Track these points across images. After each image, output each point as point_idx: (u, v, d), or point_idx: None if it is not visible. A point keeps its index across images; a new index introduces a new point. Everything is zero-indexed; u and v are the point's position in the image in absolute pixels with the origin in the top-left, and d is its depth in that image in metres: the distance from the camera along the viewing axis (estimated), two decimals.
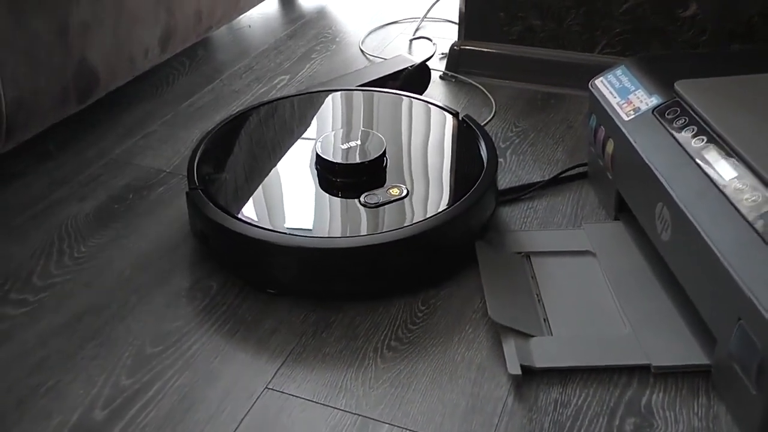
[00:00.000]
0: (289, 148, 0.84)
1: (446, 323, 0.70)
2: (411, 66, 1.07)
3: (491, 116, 1.03)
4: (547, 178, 0.89)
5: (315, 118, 0.90)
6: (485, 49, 1.13)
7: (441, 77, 1.15)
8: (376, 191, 0.75)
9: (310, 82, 1.13)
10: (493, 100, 1.06)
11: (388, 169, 0.79)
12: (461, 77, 1.13)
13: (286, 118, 0.90)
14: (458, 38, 1.15)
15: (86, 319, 0.71)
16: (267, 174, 0.80)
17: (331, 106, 0.92)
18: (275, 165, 0.81)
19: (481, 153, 0.81)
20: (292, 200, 0.76)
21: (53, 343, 0.68)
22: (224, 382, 0.64)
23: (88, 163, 0.95)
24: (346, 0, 1.47)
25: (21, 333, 0.69)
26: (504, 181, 0.89)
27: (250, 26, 1.36)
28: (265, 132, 0.87)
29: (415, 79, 1.08)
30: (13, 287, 0.75)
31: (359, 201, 0.75)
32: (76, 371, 0.65)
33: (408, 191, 0.75)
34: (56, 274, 0.77)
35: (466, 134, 0.85)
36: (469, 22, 1.13)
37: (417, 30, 1.31)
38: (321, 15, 1.40)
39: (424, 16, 1.34)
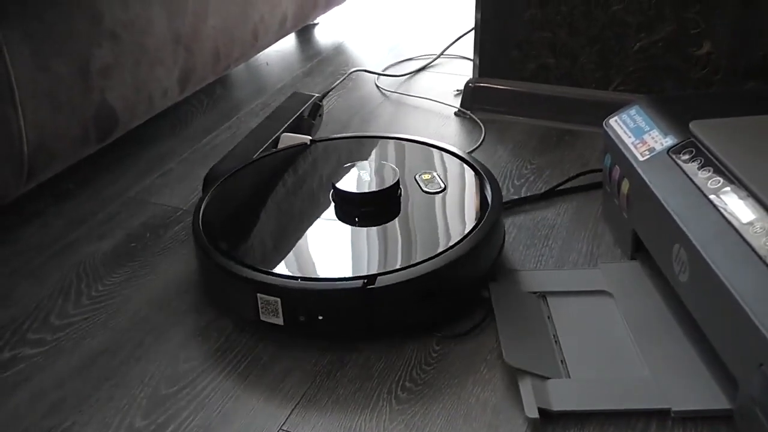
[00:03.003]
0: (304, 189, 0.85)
1: (461, 364, 0.69)
2: (317, 100, 1.08)
3: (479, 143, 1.03)
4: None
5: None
6: (500, 86, 1.14)
7: (455, 114, 1.16)
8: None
9: (326, 118, 1.14)
10: (483, 130, 1.07)
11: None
12: (474, 116, 1.14)
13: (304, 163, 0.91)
14: (473, 75, 1.16)
15: (102, 360, 0.71)
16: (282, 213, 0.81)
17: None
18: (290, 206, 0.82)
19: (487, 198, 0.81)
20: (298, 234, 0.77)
21: (69, 384, 0.69)
22: (238, 424, 0.64)
23: (107, 201, 0.96)
24: (362, 36, 1.48)
25: (38, 374, 0.70)
26: (519, 215, 0.89)
27: (267, 64, 1.38)
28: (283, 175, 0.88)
29: (318, 112, 1.08)
30: (31, 327, 0.75)
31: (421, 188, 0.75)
32: (91, 413, 0.65)
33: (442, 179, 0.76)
34: (73, 313, 0.77)
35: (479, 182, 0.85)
36: (483, 60, 1.14)
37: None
38: (338, 51, 1.42)
39: (442, 53, 1.35)
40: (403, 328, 0.72)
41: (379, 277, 0.69)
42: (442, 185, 0.77)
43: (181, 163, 1.05)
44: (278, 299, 0.69)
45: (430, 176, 0.76)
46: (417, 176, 0.80)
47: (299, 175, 0.87)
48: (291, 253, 0.74)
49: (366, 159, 0.88)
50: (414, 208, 0.79)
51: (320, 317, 0.69)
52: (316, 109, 1.07)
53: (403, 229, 0.76)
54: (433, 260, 0.70)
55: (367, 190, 0.79)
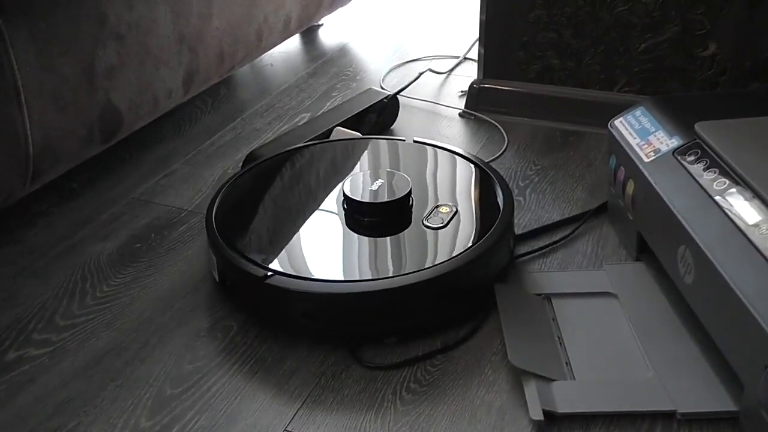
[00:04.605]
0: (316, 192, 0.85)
1: (465, 365, 0.69)
2: (385, 98, 1.08)
3: (503, 151, 1.03)
4: (566, 216, 0.89)
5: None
6: (504, 88, 1.14)
7: (460, 115, 1.15)
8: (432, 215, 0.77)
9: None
10: (506, 137, 1.07)
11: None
12: (480, 115, 1.14)
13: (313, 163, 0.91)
14: (477, 76, 1.16)
15: (107, 360, 0.71)
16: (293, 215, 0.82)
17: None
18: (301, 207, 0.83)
19: (498, 200, 0.80)
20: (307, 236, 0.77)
21: (74, 385, 0.69)
22: (243, 424, 0.64)
23: (111, 202, 0.97)
24: (367, 37, 1.48)
25: (43, 374, 0.70)
26: (524, 219, 0.89)
27: (272, 65, 1.38)
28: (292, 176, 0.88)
29: (388, 111, 1.10)
30: (36, 327, 0.76)
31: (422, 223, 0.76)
32: (96, 413, 0.66)
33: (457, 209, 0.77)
34: (78, 314, 0.77)
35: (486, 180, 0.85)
36: (488, 61, 1.14)
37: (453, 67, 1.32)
38: (342, 52, 1.42)
39: (462, 57, 1.35)
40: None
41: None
42: (445, 222, 0.76)
43: (186, 163, 1.05)
44: (214, 258, 0.77)
45: (448, 209, 0.76)
46: (435, 209, 0.78)
47: (321, 169, 0.88)
48: (264, 235, 0.78)
49: (389, 163, 0.89)
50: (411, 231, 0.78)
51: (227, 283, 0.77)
52: (385, 107, 1.08)
53: (384, 243, 0.76)
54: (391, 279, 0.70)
55: (370, 200, 0.78)
